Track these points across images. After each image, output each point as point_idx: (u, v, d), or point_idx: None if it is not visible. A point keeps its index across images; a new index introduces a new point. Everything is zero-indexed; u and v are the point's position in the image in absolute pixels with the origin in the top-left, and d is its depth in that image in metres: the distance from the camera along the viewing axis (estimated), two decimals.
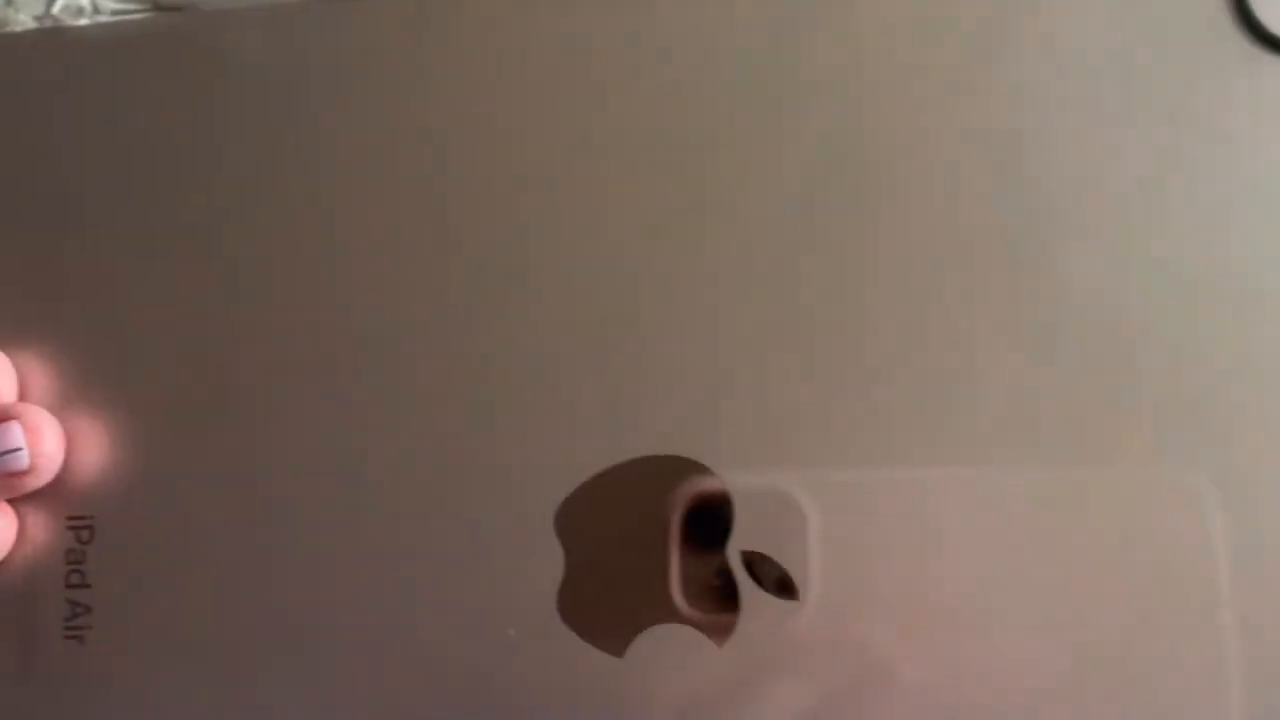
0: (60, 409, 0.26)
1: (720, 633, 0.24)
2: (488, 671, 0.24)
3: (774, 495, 0.24)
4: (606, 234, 0.25)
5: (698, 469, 0.24)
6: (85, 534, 0.25)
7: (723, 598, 0.24)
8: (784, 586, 0.23)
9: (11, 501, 0.25)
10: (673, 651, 0.24)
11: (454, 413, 0.25)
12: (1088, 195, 0.24)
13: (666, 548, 0.24)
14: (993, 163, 0.24)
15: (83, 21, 0.34)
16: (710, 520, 0.24)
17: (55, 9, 0.34)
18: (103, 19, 0.34)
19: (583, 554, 0.24)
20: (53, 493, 0.25)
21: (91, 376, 0.26)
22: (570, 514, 0.24)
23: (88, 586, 0.25)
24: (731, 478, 0.24)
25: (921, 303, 0.24)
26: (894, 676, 0.23)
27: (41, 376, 0.26)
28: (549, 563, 0.24)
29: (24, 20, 0.34)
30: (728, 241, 0.25)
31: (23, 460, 0.25)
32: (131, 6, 0.34)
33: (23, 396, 0.26)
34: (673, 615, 0.24)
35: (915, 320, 0.24)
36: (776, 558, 0.24)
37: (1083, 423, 0.23)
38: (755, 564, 0.24)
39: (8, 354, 0.26)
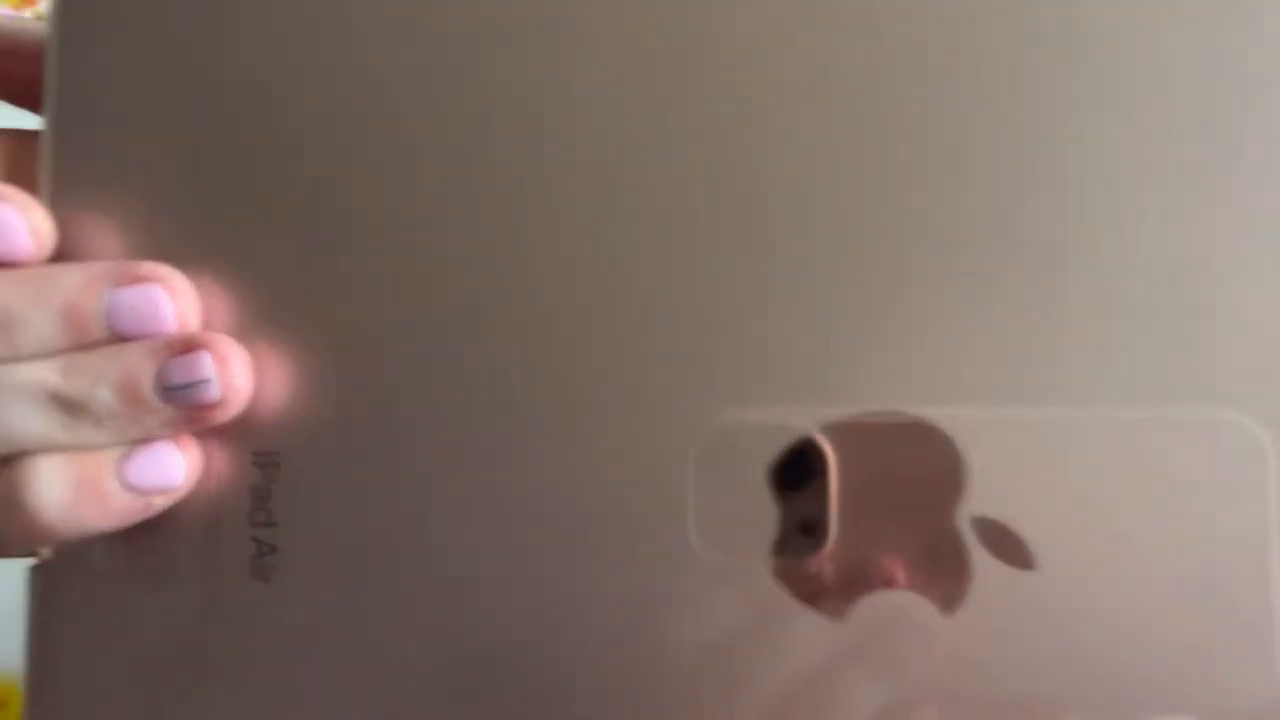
0: (245, 339, 0.24)
1: (949, 600, 0.23)
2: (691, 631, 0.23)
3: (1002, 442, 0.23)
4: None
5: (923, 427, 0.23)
6: (271, 471, 0.24)
7: (953, 565, 0.23)
8: (1019, 555, 0.23)
9: (195, 436, 0.24)
10: (897, 618, 0.23)
11: (666, 358, 0.24)
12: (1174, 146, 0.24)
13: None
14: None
15: None
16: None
17: None
18: None
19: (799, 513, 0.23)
20: (238, 427, 0.24)
21: (277, 306, 0.24)
22: (786, 470, 0.23)
23: (274, 525, 0.24)
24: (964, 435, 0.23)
25: (999, 251, 0.24)
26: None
27: (226, 304, 0.24)
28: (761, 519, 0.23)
29: None
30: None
31: (213, 392, 0.23)
32: None
33: (208, 326, 0.24)
34: (895, 580, 0.23)
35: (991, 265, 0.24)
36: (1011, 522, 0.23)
37: (1143, 368, 0.23)
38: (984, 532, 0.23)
39: (192, 280, 0.24)
